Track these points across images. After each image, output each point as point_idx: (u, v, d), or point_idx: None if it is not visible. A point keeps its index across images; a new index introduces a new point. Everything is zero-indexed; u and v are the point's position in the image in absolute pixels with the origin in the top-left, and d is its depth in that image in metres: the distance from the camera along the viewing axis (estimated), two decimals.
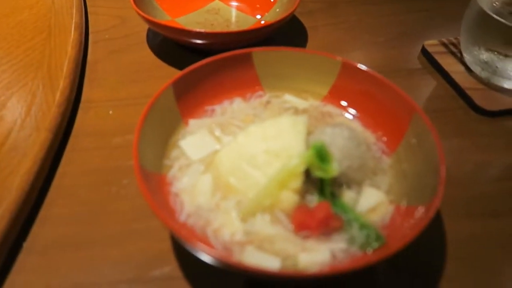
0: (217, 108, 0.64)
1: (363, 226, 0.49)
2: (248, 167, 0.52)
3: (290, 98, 0.66)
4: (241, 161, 0.52)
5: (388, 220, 0.50)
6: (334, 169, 0.49)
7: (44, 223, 0.56)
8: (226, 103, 0.65)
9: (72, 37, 0.80)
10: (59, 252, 0.52)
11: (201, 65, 0.61)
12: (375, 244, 0.47)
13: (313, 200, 0.51)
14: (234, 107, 0.64)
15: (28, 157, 0.57)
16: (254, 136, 0.54)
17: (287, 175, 0.49)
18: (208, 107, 0.64)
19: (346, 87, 0.64)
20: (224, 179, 0.53)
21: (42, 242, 0.53)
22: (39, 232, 0.55)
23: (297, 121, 0.55)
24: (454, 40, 0.88)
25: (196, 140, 0.58)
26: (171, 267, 0.51)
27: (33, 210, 0.56)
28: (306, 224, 0.48)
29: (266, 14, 0.93)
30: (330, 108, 0.65)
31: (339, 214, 0.50)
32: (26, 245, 0.53)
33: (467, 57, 0.81)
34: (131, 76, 0.81)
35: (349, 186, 0.53)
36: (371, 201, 0.51)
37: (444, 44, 0.88)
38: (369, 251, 0.46)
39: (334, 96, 0.65)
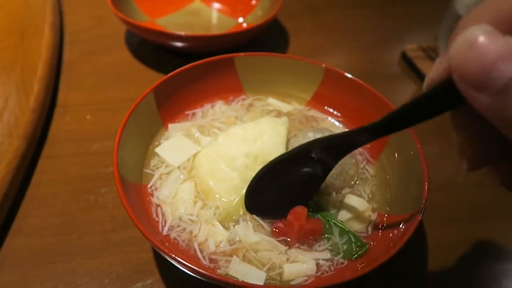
0: (198, 111, 0.63)
1: (344, 232, 0.48)
2: (227, 169, 0.51)
3: (273, 101, 0.66)
4: (220, 162, 0.52)
5: (371, 228, 0.50)
6: None
7: (17, 235, 0.53)
8: (207, 106, 0.64)
9: (46, 37, 0.77)
10: (34, 265, 0.50)
11: (183, 70, 0.59)
12: (359, 251, 0.47)
13: None
14: (215, 110, 0.63)
15: (0, 166, 0.54)
16: (234, 137, 0.54)
17: None
18: (189, 111, 0.62)
19: (329, 92, 0.64)
20: (204, 183, 0.52)
21: (15, 255, 0.51)
22: (12, 244, 0.52)
23: (277, 122, 0.55)
24: (433, 45, 0.89)
25: (172, 145, 0.57)
26: (153, 279, 0.50)
27: (6, 222, 0.54)
28: (285, 230, 0.48)
29: (248, 16, 0.92)
30: (314, 112, 0.65)
31: (320, 221, 0.49)
32: None
33: None
34: (109, 79, 0.78)
35: (330, 193, 0.53)
36: (353, 209, 0.51)
37: (423, 49, 0.89)
38: (354, 258, 0.46)
39: (318, 101, 0.65)
